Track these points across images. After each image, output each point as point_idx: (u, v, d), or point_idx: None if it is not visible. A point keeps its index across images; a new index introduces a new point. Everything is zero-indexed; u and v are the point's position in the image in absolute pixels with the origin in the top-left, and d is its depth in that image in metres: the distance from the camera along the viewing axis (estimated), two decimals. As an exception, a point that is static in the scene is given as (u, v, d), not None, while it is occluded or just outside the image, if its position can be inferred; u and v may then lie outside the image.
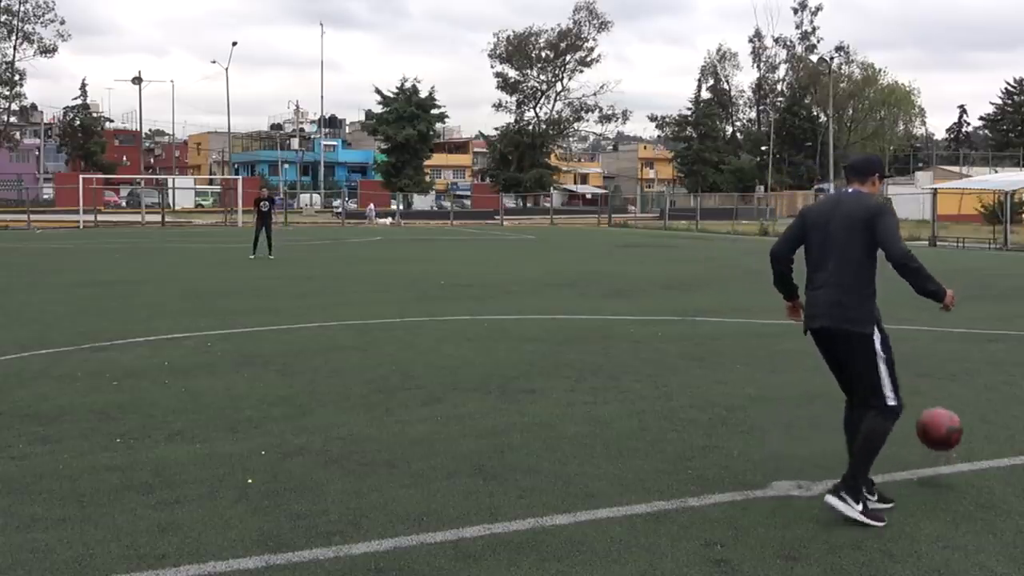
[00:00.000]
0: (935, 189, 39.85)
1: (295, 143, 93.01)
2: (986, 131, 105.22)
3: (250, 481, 5.27)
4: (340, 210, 59.29)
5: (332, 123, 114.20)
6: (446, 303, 14.07)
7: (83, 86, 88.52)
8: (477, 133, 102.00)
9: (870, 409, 4.79)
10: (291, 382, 7.99)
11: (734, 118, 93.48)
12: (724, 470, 5.52)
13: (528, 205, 76.31)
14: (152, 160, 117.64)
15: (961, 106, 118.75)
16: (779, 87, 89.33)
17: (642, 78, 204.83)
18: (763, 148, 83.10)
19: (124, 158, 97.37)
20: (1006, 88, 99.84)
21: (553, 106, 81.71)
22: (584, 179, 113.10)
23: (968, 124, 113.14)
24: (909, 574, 4.10)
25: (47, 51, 66.76)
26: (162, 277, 18.46)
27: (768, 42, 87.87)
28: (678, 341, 10.31)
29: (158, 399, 7.30)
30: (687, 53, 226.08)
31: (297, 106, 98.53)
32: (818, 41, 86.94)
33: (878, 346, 4.82)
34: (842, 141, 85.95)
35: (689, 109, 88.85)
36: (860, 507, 4.63)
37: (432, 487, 5.18)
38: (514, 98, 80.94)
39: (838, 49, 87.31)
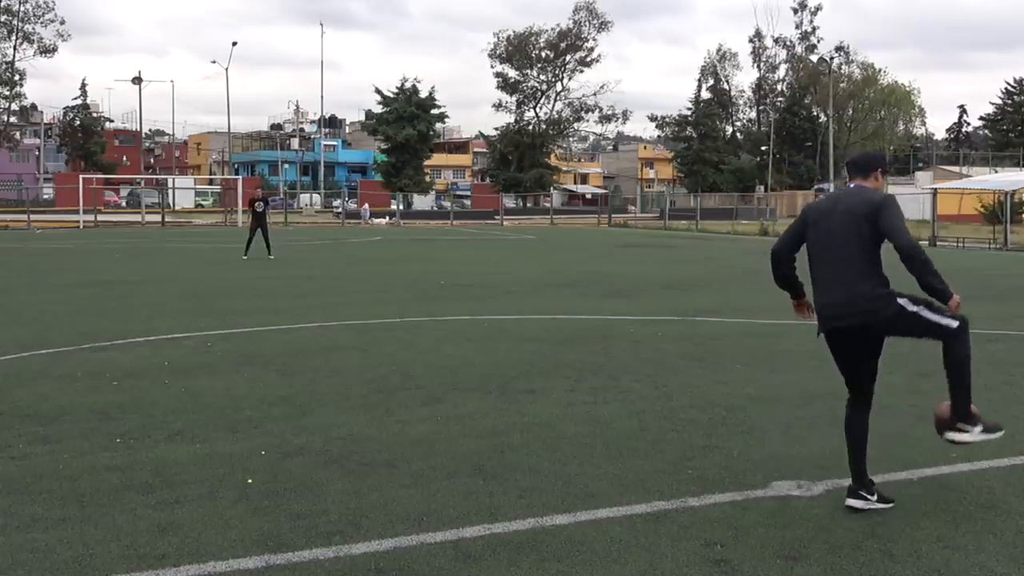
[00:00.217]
0: (935, 189, 39.85)
1: (295, 143, 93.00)
2: (986, 131, 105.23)
3: (250, 481, 5.27)
4: (340, 210, 59.28)
5: (332, 123, 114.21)
6: (446, 303, 14.07)
7: (83, 86, 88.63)
8: (477, 133, 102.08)
9: (946, 345, 4.83)
10: (291, 382, 7.99)
11: (734, 118, 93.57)
12: (724, 470, 5.52)
13: (528, 205, 76.32)
14: (152, 160, 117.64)
15: (961, 106, 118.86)
16: (779, 87, 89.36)
17: (642, 78, 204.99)
18: (763, 148, 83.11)
19: (124, 158, 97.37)
20: (1006, 88, 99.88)
21: (553, 106, 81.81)
22: (584, 179, 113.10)
23: (968, 124, 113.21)
24: (909, 574, 4.10)
25: (47, 51, 66.81)
26: (162, 277, 18.46)
27: (768, 42, 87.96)
28: (678, 341, 10.31)
29: (158, 399, 7.30)
30: (687, 53, 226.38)
31: (297, 106, 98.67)
32: (818, 41, 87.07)
33: (911, 307, 4.77)
34: (842, 141, 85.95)
35: (689, 109, 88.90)
36: (979, 426, 4.88)
37: (432, 487, 5.18)
38: (514, 98, 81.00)
39: (838, 49, 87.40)
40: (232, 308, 13.31)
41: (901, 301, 4.79)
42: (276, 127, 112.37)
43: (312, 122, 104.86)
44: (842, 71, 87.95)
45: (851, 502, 4.80)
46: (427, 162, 79.11)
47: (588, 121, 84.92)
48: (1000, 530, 4.61)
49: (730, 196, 69.50)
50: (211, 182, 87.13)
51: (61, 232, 40.60)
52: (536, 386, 7.85)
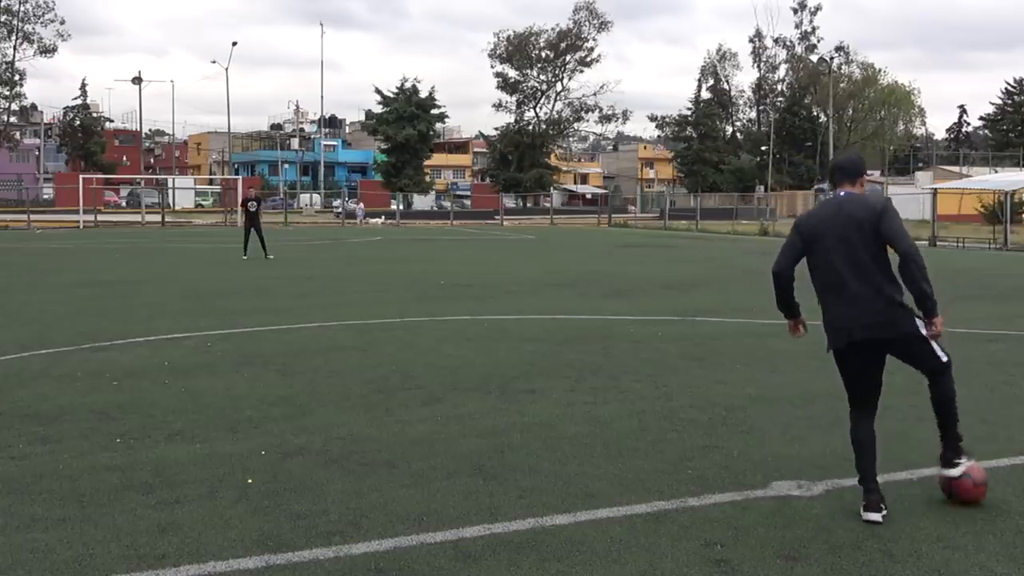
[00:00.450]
0: (935, 189, 39.85)
1: (295, 143, 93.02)
2: (986, 131, 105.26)
3: (250, 481, 5.27)
4: (340, 210, 59.26)
5: (332, 123, 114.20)
6: (446, 303, 14.07)
7: (83, 86, 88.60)
8: (477, 133, 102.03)
9: (933, 379, 4.90)
10: (291, 382, 7.99)
11: (734, 118, 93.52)
12: (724, 470, 5.52)
13: (528, 205, 76.32)
14: (152, 160, 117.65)
15: (961, 106, 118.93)
16: (779, 87, 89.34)
17: (642, 78, 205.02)
18: (763, 148, 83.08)
19: (124, 158, 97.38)
20: (1006, 88, 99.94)
21: (553, 106, 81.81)
22: (584, 179, 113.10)
23: (968, 124, 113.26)
24: (909, 574, 4.10)
25: (47, 51, 66.79)
26: (162, 277, 18.46)
27: (768, 42, 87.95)
28: (678, 341, 10.31)
29: (158, 399, 7.30)
30: (687, 53, 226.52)
31: (297, 106, 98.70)
32: (818, 41, 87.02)
33: (922, 331, 4.80)
34: (842, 141, 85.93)
35: (689, 109, 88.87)
36: (964, 460, 4.90)
37: (432, 487, 5.18)
38: (514, 98, 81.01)
39: (838, 49, 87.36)
40: (232, 308, 13.31)
41: (917, 321, 4.79)
42: (276, 127, 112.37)
43: (312, 122, 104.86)
44: (842, 71, 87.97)
45: (872, 516, 4.66)
46: (427, 162, 79.10)
47: (588, 121, 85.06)
48: (1000, 530, 4.61)
49: (730, 196, 69.49)
50: (211, 182, 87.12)
51: (61, 232, 40.61)
52: (536, 386, 7.85)
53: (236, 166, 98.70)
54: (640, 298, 14.95)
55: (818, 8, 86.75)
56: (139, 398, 7.34)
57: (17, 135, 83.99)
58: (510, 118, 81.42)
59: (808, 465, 5.60)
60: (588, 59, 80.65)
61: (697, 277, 19.26)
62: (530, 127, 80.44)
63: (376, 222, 54.49)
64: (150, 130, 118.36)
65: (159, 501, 4.93)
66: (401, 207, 61.22)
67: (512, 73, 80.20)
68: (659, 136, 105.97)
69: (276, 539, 4.41)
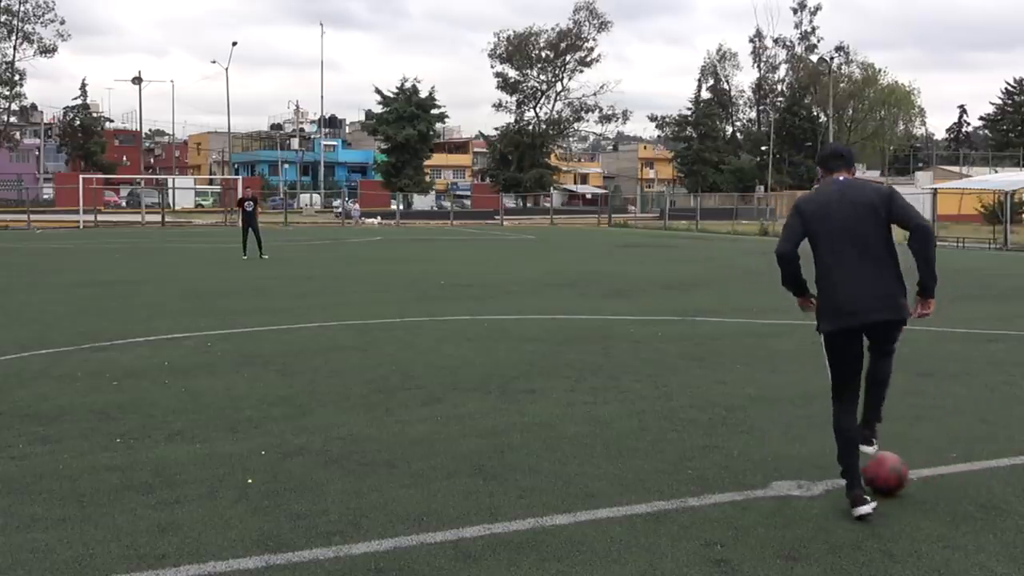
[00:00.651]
0: (935, 189, 39.85)
1: (295, 143, 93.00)
2: (986, 131, 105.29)
3: (250, 481, 5.27)
4: (340, 210, 59.21)
5: (332, 123, 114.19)
6: (446, 303, 14.07)
7: (83, 86, 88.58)
8: (477, 133, 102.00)
9: (883, 355, 5.02)
10: (291, 382, 7.99)
11: (734, 118, 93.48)
12: (724, 470, 5.52)
13: (528, 205, 76.30)
14: (152, 160, 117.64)
15: (961, 106, 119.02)
16: (779, 87, 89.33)
17: (642, 78, 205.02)
18: (763, 148, 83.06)
19: (124, 158, 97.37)
20: (1006, 88, 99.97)
21: (553, 106, 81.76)
22: (584, 179, 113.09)
23: (968, 124, 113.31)
24: (909, 574, 4.10)
25: (47, 51, 66.75)
26: (162, 277, 18.46)
27: (768, 42, 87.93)
28: (678, 341, 10.31)
29: (158, 399, 7.30)
30: (687, 53, 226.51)
31: (297, 106, 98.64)
32: (818, 41, 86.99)
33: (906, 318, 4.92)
34: (842, 141, 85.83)
35: (689, 109, 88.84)
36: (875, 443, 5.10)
37: (432, 487, 5.18)
38: (514, 98, 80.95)
39: (838, 49, 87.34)
40: (232, 308, 13.31)
41: (907, 309, 4.86)
42: (276, 127, 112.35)
43: (312, 122, 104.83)
44: (842, 71, 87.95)
45: (863, 510, 4.67)
46: (427, 162, 79.06)
47: (588, 121, 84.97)
48: (1000, 530, 4.61)
49: (730, 196, 69.47)
50: (211, 182, 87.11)
51: (61, 232, 40.60)
52: (536, 386, 7.85)
53: (236, 166, 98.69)
54: (640, 298, 14.95)
55: (818, 8, 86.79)
56: (139, 398, 7.34)
57: (17, 135, 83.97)
58: (510, 118, 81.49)
59: (808, 465, 5.59)
60: (588, 59, 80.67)
61: (697, 277, 19.26)
62: (530, 127, 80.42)
63: (371, 222, 54.29)
64: (150, 130, 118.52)
65: (159, 501, 4.93)
66: (401, 207, 61.18)
67: (512, 73, 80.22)
68: (659, 136, 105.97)
69: (276, 539, 4.41)
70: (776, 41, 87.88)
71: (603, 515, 4.76)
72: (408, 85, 73.90)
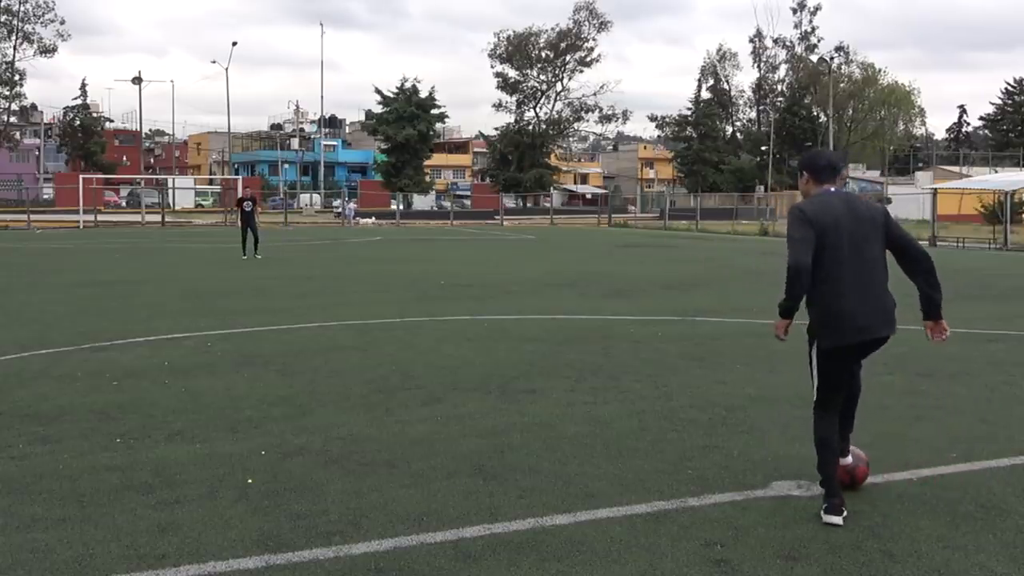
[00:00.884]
0: (935, 189, 39.84)
1: (295, 143, 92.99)
2: (986, 131, 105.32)
3: (250, 481, 5.27)
4: (340, 210, 59.08)
5: (332, 123, 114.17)
6: (446, 303, 14.07)
7: (83, 86, 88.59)
8: (477, 133, 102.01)
9: (857, 370, 5.12)
10: (291, 382, 7.99)
11: (734, 118, 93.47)
12: (724, 470, 5.52)
13: (528, 205, 76.29)
14: (152, 160, 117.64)
15: (961, 106, 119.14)
16: (779, 87, 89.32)
17: (642, 78, 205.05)
18: (763, 148, 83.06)
19: (124, 158, 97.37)
20: (1006, 88, 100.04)
21: (553, 106, 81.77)
22: (584, 179, 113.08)
23: (968, 124, 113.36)
24: (909, 574, 4.10)
25: (47, 51, 66.76)
26: (162, 277, 18.46)
27: (768, 42, 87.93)
28: (678, 341, 10.31)
29: (158, 399, 7.30)
30: (687, 53, 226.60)
31: (297, 106, 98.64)
32: (818, 41, 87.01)
33: None
34: (842, 141, 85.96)
35: (689, 109, 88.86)
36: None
37: (432, 487, 5.18)
38: (514, 98, 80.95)
39: (838, 49, 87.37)
40: (232, 308, 13.31)
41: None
42: (276, 127, 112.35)
43: (312, 122, 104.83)
44: (842, 71, 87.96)
45: (836, 520, 4.63)
46: (427, 162, 79.07)
47: (588, 121, 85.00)
48: (1000, 530, 4.61)
49: (730, 196, 69.47)
50: (211, 182, 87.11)
51: (61, 232, 40.60)
52: (536, 386, 7.85)
53: (236, 166, 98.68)
54: (640, 298, 14.95)
55: (818, 8, 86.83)
56: (139, 398, 7.34)
57: (17, 135, 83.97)
58: (510, 118, 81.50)
59: (808, 465, 5.57)
60: (588, 59, 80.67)
61: (697, 277, 19.26)
62: (530, 127, 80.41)
63: (366, 222, 54.01)
64: (150, 130, 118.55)
65: (159, 501, 4.93)
66: (401, 207, 61.11)
67: (512, 73, 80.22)
68: (659, 136, 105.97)
69: (276, 539, 4.41)
70: (776, 41, 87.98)
71: (603, 515, 4.75)
72: (408, 85, 73.95)
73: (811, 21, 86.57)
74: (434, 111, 75.24)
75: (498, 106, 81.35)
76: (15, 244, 30.82)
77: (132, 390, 7.64)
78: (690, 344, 10.10)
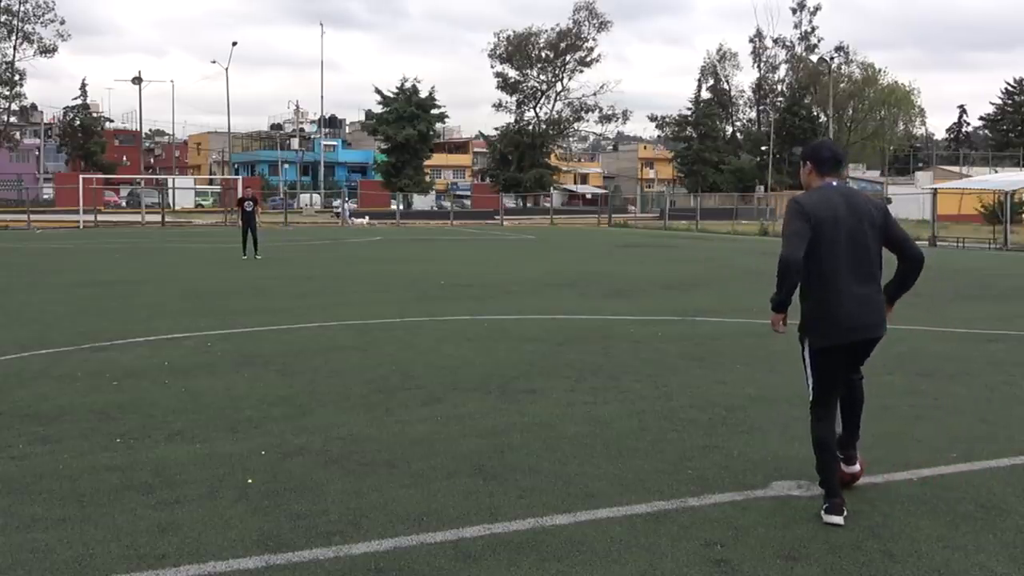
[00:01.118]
0: (935, 189, 39.84)
1: (295, 143, 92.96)
2: (986, 131, 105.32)
3: (250, 481, 5.27)
4: (340, 210, 58.97)
5: (332, 123, 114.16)
6: (446, 303, 14.07)
7: (83, 86, 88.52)
8: (477, 133, 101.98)
9: (858, 377, 5.08)
10: (291, 382, 7.99)
11: (734, 118, 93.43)
12: (724, 470, 5.52)
13: (528, 205, 76.28)
14: (152, 160, 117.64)
15: (961, 106, 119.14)
16: (779, 87, 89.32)
17: (642, 78, 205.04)
18: (763, 148, 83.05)
19: (124, 158, 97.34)
20: (1006, 88, 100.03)
21: (553, 106, 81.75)
22: (584, 179, 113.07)
23: (968, 124, 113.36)
24: (909, 574, 4.10)
25: (47, 51, 66.73)
26: (162, 277, 18.46)
27: (768, 42, 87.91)
28: (678, 341, 10.31)
29: (158, 399, 7.30)
30: (686, 53, 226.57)
31: (297, 106, 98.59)
32: (818, 41, 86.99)
33: None
34: (842, 141, 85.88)
35: (689, 109, 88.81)
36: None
37: (432, 487, 5.18)
38: (514, 98, 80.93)
39: (838, 49, 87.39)
40: (232, 308, 13.31)
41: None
42: (276, 127, 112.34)
43: (312, 122, 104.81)
44: (842, 71, 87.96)
45: (837, 519, 4.63)
46: (427, 162, 79.05)
47: (588, 121, 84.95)
48: (1000, 530, 4.61)
49: (730, 196, 69.47)
50: (211, 182, 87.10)
51: (61, 232, 40.60)
52: (536, 386, 7.85)
53: (236, 166, 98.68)
54: (640, 298, 14.95)
55: (817, 8, 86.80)
56: (139, 398, 7.34)
57: (17, 135, 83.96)
58: (510, 118, 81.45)
59: (808, 465, 5.57)
60: (588, 59, 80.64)
61: (697, 277, 19.26)
62: (530, 127, 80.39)
63: (360, 222, 53.68)
64: (150, 130, 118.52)
65: (159, 501, 4.93)
66: (401, 207, 61.06)
67: (512, 73, 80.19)
68: (659, 136, 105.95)
69: (276, 539, 4.41)
70: (776, 41, 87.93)
71: (603, 515, 4.75)
72: (408, 85, 73.92)
73: (811, 21, 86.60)
74: (434, 111, 75.23)
75: (498, 106, 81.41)
76: (15, 244, 30.82)
77: (132, 390, 7.64)
78: (690, 344, 10.11)
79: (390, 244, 32.84)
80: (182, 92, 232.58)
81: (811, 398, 4.93)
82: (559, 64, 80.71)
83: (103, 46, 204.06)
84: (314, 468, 5.52)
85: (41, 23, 65.89)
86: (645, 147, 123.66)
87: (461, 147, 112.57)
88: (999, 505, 4.95)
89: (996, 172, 60.78)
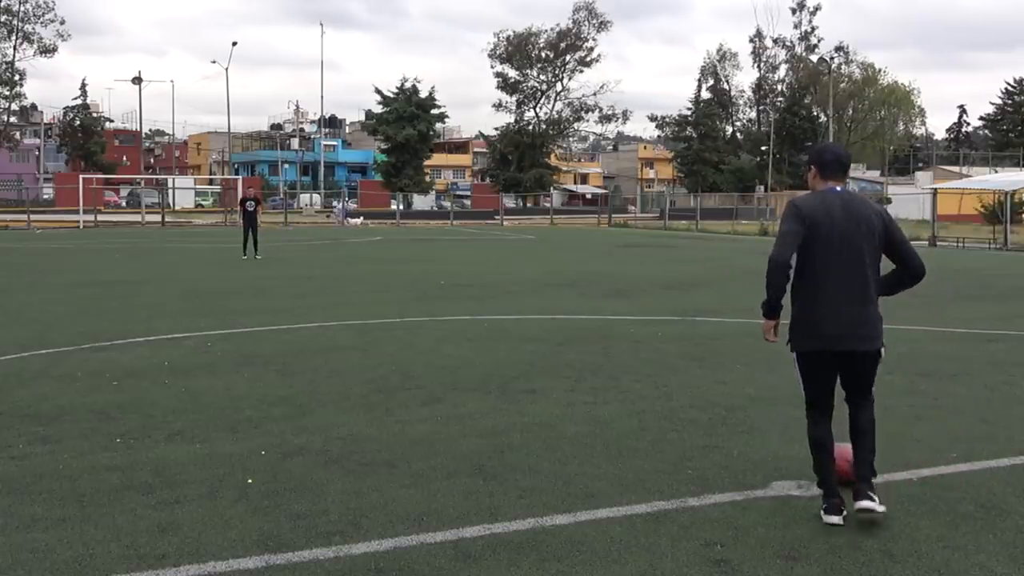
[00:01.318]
0: (935, 189, 39.86)
1: (295, 143, 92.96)
2: (986, 131, 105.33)
3: (250, 481, 5.27)
4: (335, 210, 58.78)
5: (332, 123, 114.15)
6: (446, 303, 14.07)
7: (83, 86, 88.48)
8: (477, 133, 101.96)
9: (863, 404, 4.77)
10: (291, 382, 7.99)
11: (734, 118, 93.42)
12: (724, 470, 5.52)
13: (528, 205, 76.27)
14: (152, 160, 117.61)
15: (961, 106, 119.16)
16: (779, 87, 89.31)
17: (641, 78, 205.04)
18: (763, 148, 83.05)
19: (124, 158, 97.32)
20: (1006, 88, 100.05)
21: (553, 106, 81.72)
22: (584, 179, 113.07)
23: (968, 124, 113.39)
24: (909, 574, 4.10)
25: (47, 51, 66.72)
26: (162, 277, 18.46)
27: (768, 42, 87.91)
28: (678, 341, 10.31)
29: (158, 399, 7.30)
30: (686, 53, 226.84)
31: (297, 106, 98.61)
32: (818, 41, 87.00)
33: (881, 354, 4.74)
34: (842, 141, 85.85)
35: (689, 109, 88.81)
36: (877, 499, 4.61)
37: (432, 487, 5.18)
38: (514, 98, 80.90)
39: (838, 49, 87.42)
40: (232, 308, 13.31)
41: (883, 341, 4.68)
42: (276, 127, 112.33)
43: (312, 122, 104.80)
44: (842, 71, 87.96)
45: (836, 520, 4.58)
46: (427, 162, 79.06)
47: (588, 121, 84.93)
48: (1000, 530, 4.61)
49: (730, 196, 69.47)
50: (211, 182, 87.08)
51: (61, 232, 40.59)
52: (536, 386, 7.85)
53: (236, 166, 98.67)
54: (640, 298, 14.95)
55: (817, 8, 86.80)
56: (139, 398, 7.34)
57: (17, 135, 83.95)
58: (510, 118, 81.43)
59: (808, 465, 5.55)
60: (588, 59, 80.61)
61: (697, 277, 19.26)
62: (530, 127, 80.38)
63: (355, 222, 53.43)
64: (150, 130, 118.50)
65: (159, 501, 4.93)
66: (401, 207, 61.02)
67: (512, 73, 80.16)
68: (659, 136, 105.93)
69: (276, 539, 4.41)
70: (776, 41, 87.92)
71: (603, 515, 4.75)
72: (408, 85, 73.92)
73: (811, 21, 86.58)
74: (434, 111, 75.23)
75: (498, 106, 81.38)
76: (15, 244, 30.82)
77: (132, 390, 7.64)
78: (690, 344, 10.11)
79: (390, 244, 32.84)
80: (182, 92, 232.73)
81: (804, 400, 4.92)
82: (559, 64, 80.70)
83: (103, 46, 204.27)
84: (314, 468, 5.52)
85: (41, 23, 65.95)
86: (645, 147, 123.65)
87: (461, 147, 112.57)
88: (999, 505, 4.95)
89: (996, 172, 60.78)
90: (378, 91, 74.41)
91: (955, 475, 5.49)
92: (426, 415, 6.83)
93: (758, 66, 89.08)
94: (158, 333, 10.72)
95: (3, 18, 65.74)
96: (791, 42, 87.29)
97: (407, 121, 72.12)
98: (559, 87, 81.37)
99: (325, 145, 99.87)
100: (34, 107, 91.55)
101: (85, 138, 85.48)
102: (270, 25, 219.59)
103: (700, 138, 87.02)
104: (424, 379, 8.12)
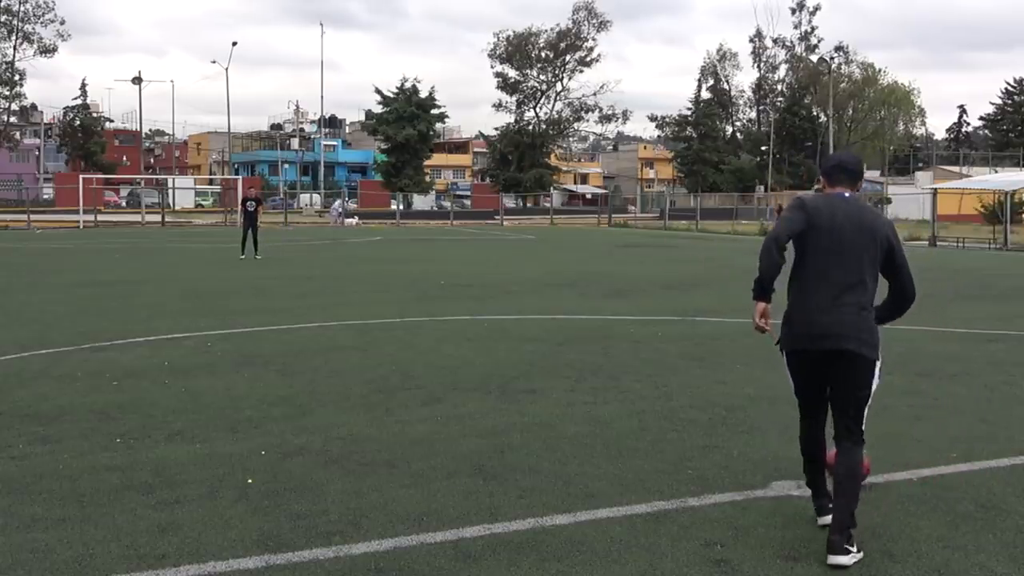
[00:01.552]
0: (935, 189, 39.86)
1: (295, 143, 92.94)
2: (986, 131, 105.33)
3: (250, 481, 5.27)
4: (340, 211, 58.72)
5: (332, 123, 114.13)
6: (446, 303, 14.07)
7: (83, 86, 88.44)
8: (477, 133, 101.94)
9: (846, 440, 4.37)
10: (291, 382, 7.99)
11: (734, 118, 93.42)
12: (724, 470, 5.52)
13: (528, 205, 76.26)
14: (152, 160, 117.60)
15: (961, 106, 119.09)
16: (779, 87, 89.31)
17: (641, 78, 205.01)
18: (763, 148, 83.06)
19: (124, 158, 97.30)
20: (1006, 88, 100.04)
21: (553, 106, 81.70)
22: (584, 179, 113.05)
23: (968, 124, 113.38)
24: (909, 574, 4.10)
25: (47, 51, 66.67)
26: (162, 277, 18.46)
27: (768, 42, 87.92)
28: (678, 341, 10.31)
29: (158, 399, 7.30)
30: (685, 53, 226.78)
31: (297, 106, 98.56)
32: (818, 41, 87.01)
33: (878, 372, 4.47)
34: (842, 141, 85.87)
35: (689, 109, 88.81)
36: (856, 549, 4.20)
37: (432, 487, 5.18)
38: (514, 98, 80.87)
39: (838, 49, 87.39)
40: (232, 308, 13.31)
41: (880, 359, 4.44)
42: (276, 127, 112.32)
43: (312, 122, 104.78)
44: (842, 71, 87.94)
45: (826, 519, 4.38)
46: (427, 162, 79.03)
47: (588, 121, 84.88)
48: (1000, 530, 4.61)
49: (730, 196, 69.47)
50: (211, 182, 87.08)
51: (61, 232, 40.59)
52: (536, 386, 7.85)
53: (236, 166, 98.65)
54: (640, 298, 14.95)
55: (817, 8, 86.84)
56: (139, 398, 7.34)
57: (17, 135, 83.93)
58: (510, 118, 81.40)
59: (808, 465, 5.59)
60: (588, 59, 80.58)
61: (697, 277, 19.27)
62: (530, 127, 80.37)
63: (351, 222, 53.09)
64: (150, 130, 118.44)
65: (159, 501, 4.93)
66: (401, 207, 60.99)
67: (512, 73, 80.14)
68: (659, 136, 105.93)
69: (276, 539, 4.41)
70: (776, 41, 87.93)
71: (603, 515, 4.76)
72: (408, 85, 73.87)
73: (811, 21, 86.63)
74: (434, 111, 75.19)
75: (498, 106, 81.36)
76: (15, 244, 30.82)
77: (132, 390, 7.64)
78: (690, 344, 10.11)
79: (390, 244, 32.84)
80: (182, 92, 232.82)
81: (796, 402, 4.73)
82: (559, 64, 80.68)
83: (103, 46, 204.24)
84: (314, 468, 5.52)
85: (41, 23, 65.88)
86: (645, 147, 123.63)
87: (461, 147, 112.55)
88: (999, 505, 4.96)
89: (996, 172, 60.79)
90: (378, 91, 74.43)
91: (955, 475, 5.49)
92: (426, 415, 6.83)
93: (758, 66, 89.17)
94: (158, 333, 10.72)
95: (3, 18, 65.73)
96: (791, 42, 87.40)
97: (407, 121, 72.11)
98: (559, 87, 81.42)
99: (325, 145, 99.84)
100: (34, 107, 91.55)
101: (85, 138, 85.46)
102: (270, 25, 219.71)
103: (700, 138, 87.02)
104: (424, 379, 8.12)
